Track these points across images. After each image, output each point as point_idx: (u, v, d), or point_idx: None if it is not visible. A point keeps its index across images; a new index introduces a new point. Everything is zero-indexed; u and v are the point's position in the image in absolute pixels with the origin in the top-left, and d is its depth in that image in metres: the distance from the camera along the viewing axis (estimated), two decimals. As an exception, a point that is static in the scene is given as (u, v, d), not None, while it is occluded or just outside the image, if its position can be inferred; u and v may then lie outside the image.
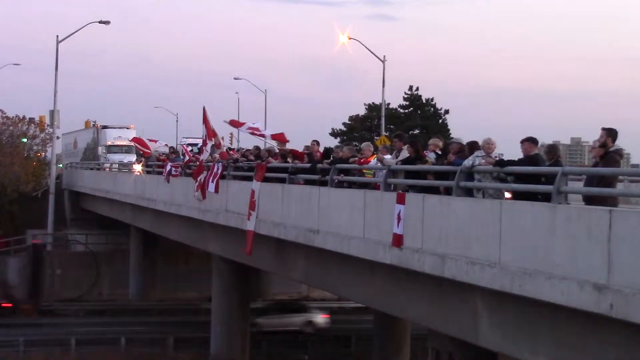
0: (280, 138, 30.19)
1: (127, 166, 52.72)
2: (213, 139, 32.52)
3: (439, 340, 21.78)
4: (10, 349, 41.18)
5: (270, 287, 53.27)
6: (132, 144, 60.44)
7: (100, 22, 60.18)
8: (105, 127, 72.21)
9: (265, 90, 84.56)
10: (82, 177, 62.66)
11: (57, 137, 67.07)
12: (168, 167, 38.31)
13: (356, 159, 23.80)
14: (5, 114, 68.16)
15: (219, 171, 31.01)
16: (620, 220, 12.68)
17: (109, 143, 69.63)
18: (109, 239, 57.95)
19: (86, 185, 59.74)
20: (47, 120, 65.98)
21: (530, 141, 16.97)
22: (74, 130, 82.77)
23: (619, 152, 16.12)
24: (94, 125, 77.33)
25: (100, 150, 69.53)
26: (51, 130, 64.57)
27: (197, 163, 33.50)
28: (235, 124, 35.09)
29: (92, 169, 62.72)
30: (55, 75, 60.89)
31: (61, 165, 74.66)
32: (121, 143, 68.69)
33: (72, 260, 56.36)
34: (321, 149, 26.69)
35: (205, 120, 32.58)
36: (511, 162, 17.09)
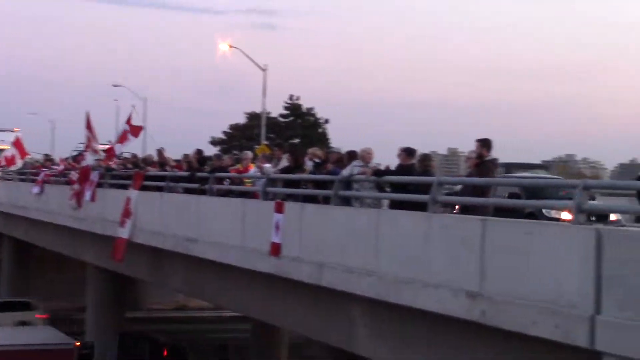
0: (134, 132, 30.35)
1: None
2: (94, 145, 32.05)
3: (316, 349, 21.88)
4: None
5: (146, 297, 52.60)
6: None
7: None
8: None
9: (145, 97, 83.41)
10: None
11: None
12: (41, 176, 37.72)
13: (236, 167, 23.84)
14: None
15: (96, 179, 30.61)
16: (493, 230, 12.98)
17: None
18: None
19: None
20: None
21: (406, 152, 17.25)
22: None
23: (494, 162, 16.52)
24: None
25: None
26: None
27: (73, 171, 32.99)
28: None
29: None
30: None
31: None
32: (3, 147, 65.80)
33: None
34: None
35: (89, 126, 32.08)
36: (388, 172, 17.34)
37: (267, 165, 21.77)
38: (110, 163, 31.24)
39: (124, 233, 26.77)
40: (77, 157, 35.80)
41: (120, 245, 26.78)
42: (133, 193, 26.98)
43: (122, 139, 30.92)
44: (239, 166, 24.06)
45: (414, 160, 17.22)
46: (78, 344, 30.05)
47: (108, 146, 34.23)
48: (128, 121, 31.13)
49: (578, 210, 11.92)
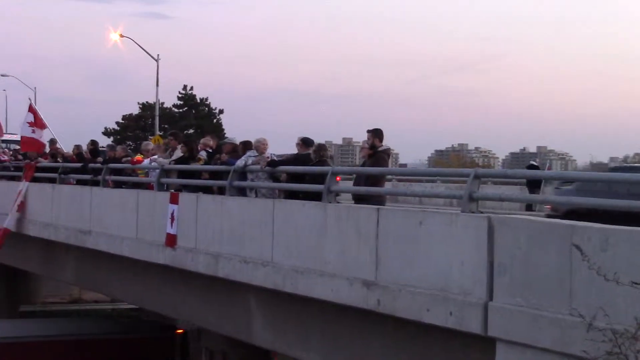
0: (35, 148, 29.07)
1: None
2: None
3: (213, 340, 21.76)
4: None
5: (40, 290, 51.56)
6: None
7: None
8: None
9: (35, 88, 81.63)
10: None
11: None
12: None
13: (129, 158, 23.52)
14: None
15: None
16: (387, 219, 13.07)
17: None
18: None
19: None
20: None
21: (303, 142, 17.26)
22: None
23: (387, 152, 16.61)
24: None
25: None
26: None
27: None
28: None
29: None
30: None
31: None
32: None
33: None
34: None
35: None
36: (282, 162, 17.32)
37: (156, 156, 21.58)
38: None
39: (8, 221, 26.34)
40: None
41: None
42: (24, 185, 26.46)
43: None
44: (138, 157, 23.81)
45: (309, 149, 17.23)
46: None
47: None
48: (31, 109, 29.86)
49: (469, 199, 12.09)
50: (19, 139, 35.36)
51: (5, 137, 44.33)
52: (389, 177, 27.45)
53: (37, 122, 29.04)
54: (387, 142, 16.47)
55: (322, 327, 15.01)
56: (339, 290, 13.58)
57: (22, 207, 26.32)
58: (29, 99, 29.14)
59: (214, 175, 18.89)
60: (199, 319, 19.79)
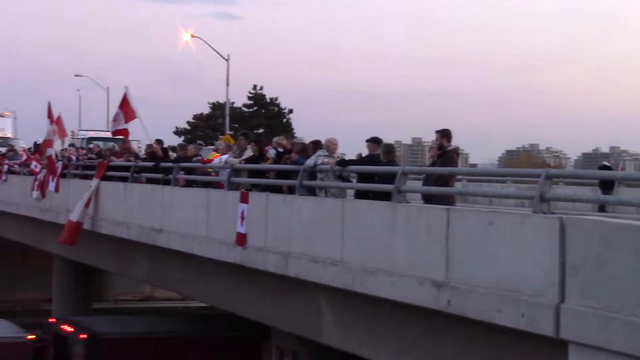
0: (123, 133, 28.94)
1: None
2: (58, 135, 31.52)
3: (283, 339, 21.80)
4: None
5: (112, 288, 52.36)
6: (8, 135, 54.97)
7: None
8: None
9: (108, 87, 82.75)
10: None
11: None
12: (4, 166, 37.44)
13: (200, 157, 23.72)
14: None
15: (60, 170, 30.36)
16: (457, 219, 12.99)
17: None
18: None
19: None
20: None
21: (372, 141, 17.23)
22: None
23: (456, 152, 16.54)
24: None
25: None
26: None
27: (35, 162, 32.74)
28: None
29: None
30: None
31: None
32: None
33: None
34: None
35: (50, 116, 31.59)
36: (352, 162, 17.34)
37: (226, 156, 21.72)
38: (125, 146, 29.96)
39: (73, 216, 26.62)
40: (40, 147, 35.20)
41: (68, 228, 26.59)
42: (95, 183, 26.82)
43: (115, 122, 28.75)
44: (215, 155, 23.96)
45: (379, 150, 17.21)
46: (33, 337, 29.38)
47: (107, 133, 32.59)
48: (122, 105, 28.65)
49: (541, 199, 11.95)
50: (104, 135, 35.46)
51: (91, 134, 43.84)
52: (459, 177, 27.24)
53: (128, 112, 28.12)
54: (456, 142, 16.42)
55: (391, 326, 14.97)
56: (409, 290, 13.53)
57: (89, 203, 26.63)
58: (125, 87, 28.34)
59: (284, 174, 18.95)
60: (268, 318, 19.85)
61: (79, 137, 48.06)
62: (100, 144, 37.33)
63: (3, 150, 46.27)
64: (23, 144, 43.18)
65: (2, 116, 61.52)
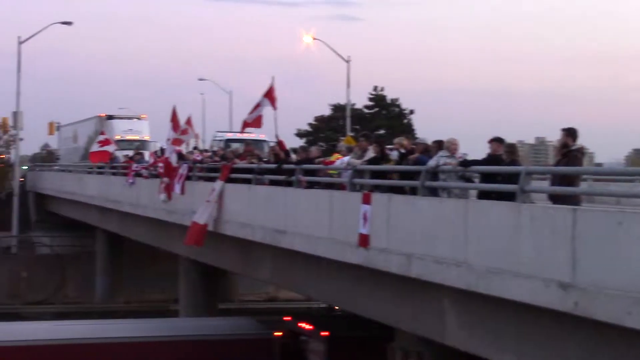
0: (255, 124, 28.55)
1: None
2: (186, 135, 31.94)
3: (406, 340, 21.77)
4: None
5: (237, 289, 53.12)
6: (145, 138, 55.78)
7: (63, 22, 59.67)
8: (111, 117, 59.70)
9: (230, 91, 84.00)
10: (47, 178, 62.15)
11: (21, 139, 64.84)
12: (133, 169, 38.27)
13: (322, 159, 23.87)
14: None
15: (185, 172, 30.93)
16: (584, 219, 12.77)
17: (118, 137, 55.17)
18: (74, 240, 57.29)
19: (50, 187, 59.30)
20: (10, 122, 64.95)
21: (497, 141, 17.10)
22: (74, 121, 69.73)
23: (581, 151, 16.24)
24: (100, 115, 61.57)
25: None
26: (15, 131, 63.71)
27: (162, 165, 33.36)
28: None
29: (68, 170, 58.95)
30: (18, 76, 60.18)
31: (26, 167, 73.04)
32: (132, 137, 57.65)
33: (38, 263, 55.94)
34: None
35: (174, 120, 32.14)
36: (475, 162, 17.19)
37: (347, 157, 21.78)
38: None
39: (198, 219, 27.12)
40: (163, 151, 35.83)
41: (193, 230, 27.04)
42: (218, 184, 27.22)
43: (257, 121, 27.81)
44: (338, 156, 24.05)
45: (501, 150, 17.06)
46: (280, 333, 28.78)
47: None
48: (268, 94, 26.96)
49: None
50: (241, 137, 35.15)
51: (229, 135, 43.35)
52: (585, 177, 26.67)
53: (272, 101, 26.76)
54: (582, 141, 16.11)
55: (516, 327, 14.85)
56: (534, 291, 13.38)
57: (214, 205, 27.03)
58: (272, 77, 26.97)
59: (406, 175, 18.91)
60: (391, 319, 19.87)
61: (217, 138, 48.38)
62: (238, 145, 37.26)
63: (142, 152, 46.30)
64: (160, 145, 43.68)
65: (138, 119, 61.78)
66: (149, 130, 60.09)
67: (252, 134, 41.38)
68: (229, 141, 43.82)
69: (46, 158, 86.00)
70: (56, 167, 66.79)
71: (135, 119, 61.63)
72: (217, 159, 31.49)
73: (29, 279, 54.60)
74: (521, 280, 13.67)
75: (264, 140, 40.63)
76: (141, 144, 55.16)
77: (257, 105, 26.62)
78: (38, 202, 63.03)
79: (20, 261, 55.80)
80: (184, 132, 31.92)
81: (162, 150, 36.32)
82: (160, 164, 33.83)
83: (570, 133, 15.97)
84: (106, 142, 43.05)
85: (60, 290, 54.91)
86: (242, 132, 32.51)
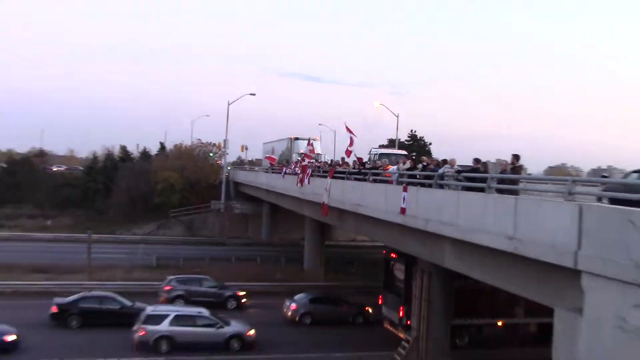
0: (347, 154, 27.24)
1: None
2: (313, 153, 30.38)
3: (424, 264, 21.62)
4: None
5: (336, 234, 52.83)
6: (319, 152, 48.86)
7: (250, 94, 59.60)
8: (297, 138, 53.76)
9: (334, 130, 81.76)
10: (239, 173, 63.02)
11: (227, 153, 64.54)
12: (284, 170, 38.56)
13: (383, 167, 23.72)
14: (201, 141, 68.83)
15: (310, 172, 31.06)
16: (521, 203, 12.58)
17: (301, 151, 49.54)
18: (252, 207, 57.38)
19: (241, 178, 60.17)
20: (223, 145, 65.88)
21: (476, 160, 16.74)
22: (273, 140, 63.00)
23: (521, 166, 15.90)
24: (290, 137, 55.03)
25: (295, 157, 47.84)
26: (224, 149, 64.70)
27: (300, 167, 32.83)
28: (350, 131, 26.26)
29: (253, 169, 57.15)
30: (227, 122, 60.41)
31: (229, 167, 73.11)
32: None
33: (234, 217, 56.79)
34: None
35: (349, 131, 26.11)
36: (464, 171, 16.99)
37: (396, 167, 21.66)
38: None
39: (325, 199, 26.82)
40: (302, 159, 34.70)
41: (324, 206, 27.02)
42: (328, 180, 27.22)
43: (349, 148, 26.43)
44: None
45: (479, 165, 16.83)
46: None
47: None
48: (349, 130, 25.38)
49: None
50: (387, 151, 33.17)
51: (382, 150, 37.89)
52: (521, 180, 25.70)
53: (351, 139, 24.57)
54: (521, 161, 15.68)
55: (483, 259, 14.42)
56: (493, 240, 13.10)
57: (328, 191, 26.32)
58: (344, 122, 25.56)
59: (426, 177, 18.46)
60: (417, 253, 19.23)
61: (372, 152, 43.36)
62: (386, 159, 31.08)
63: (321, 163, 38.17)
64: (327, 158, 41.02)
65: (314, 139, 51.73)
66: (320, 147, 53.30)
67: (396, 149, 37.98)
68: (381, 155, 41.23)
69: (238, 163, 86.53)
70: (246, 167, 66.91)
71: (312, 139, 59.58)
72: (326, 166, 31.07)
73: (229, 225, 55.71)
74: (486, 235, 13.49)
75: (401, 154, 36.91)
76: (317, 156, 48.17)
77: (351, 141, 26.40)
78: (235, 186, 63.66)
79: (225, 216, 56.71)
80: (311, 151, 31.84)
81: (303, 157, 34.76)
82: (297, 168, 33.93)
83: (516, 157, 15.66)
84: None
85: (245, 231, 55.83)
86: (384, 147, 30.09)
